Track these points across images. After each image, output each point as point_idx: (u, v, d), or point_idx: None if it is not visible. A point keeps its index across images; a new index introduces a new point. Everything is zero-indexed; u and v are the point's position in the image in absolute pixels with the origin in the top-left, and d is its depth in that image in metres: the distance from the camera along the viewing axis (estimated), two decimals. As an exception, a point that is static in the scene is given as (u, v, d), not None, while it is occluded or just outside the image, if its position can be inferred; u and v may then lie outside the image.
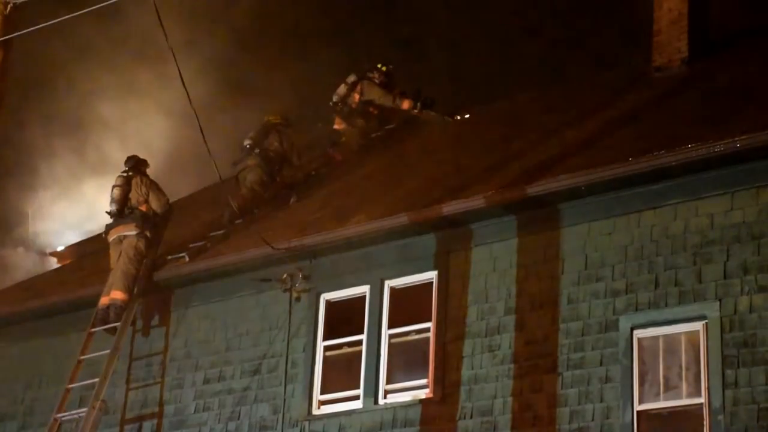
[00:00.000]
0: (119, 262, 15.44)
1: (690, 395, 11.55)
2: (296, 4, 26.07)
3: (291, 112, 18.30)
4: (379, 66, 18.56)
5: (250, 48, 25.53)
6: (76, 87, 25.05)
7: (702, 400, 11.40)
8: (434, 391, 13.01)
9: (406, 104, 18.23)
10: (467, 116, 18.05)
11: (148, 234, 15.63)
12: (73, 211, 25.30)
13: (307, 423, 13.84)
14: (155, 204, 15.87)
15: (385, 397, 13.46)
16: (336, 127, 18.41)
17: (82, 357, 15.22)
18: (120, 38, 24.60)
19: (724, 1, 17.11)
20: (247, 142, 17.09)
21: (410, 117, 18.27)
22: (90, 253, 19.00)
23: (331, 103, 18.34)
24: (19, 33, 11.68)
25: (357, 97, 18.20)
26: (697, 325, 11.60)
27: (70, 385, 15.08)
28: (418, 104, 18.18)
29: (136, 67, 24.61)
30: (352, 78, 18.34)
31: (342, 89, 18.28)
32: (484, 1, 25.90)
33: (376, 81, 18.36)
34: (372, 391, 13.49)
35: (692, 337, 11.65)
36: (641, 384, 11.79)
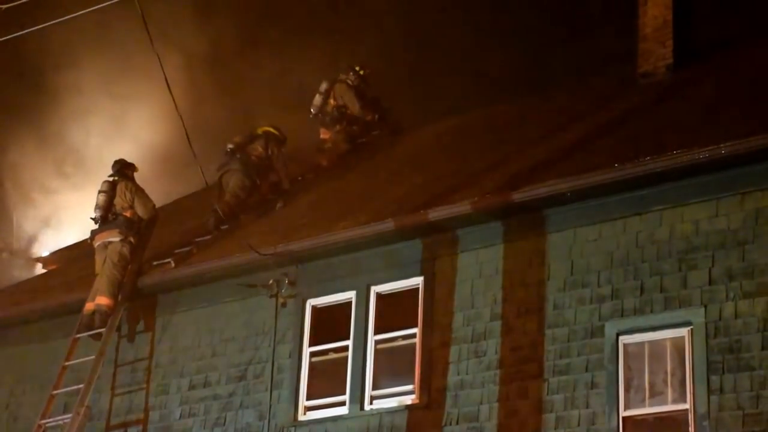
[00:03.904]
0: (104, 268, 15.41)
1: (675, 401, 11.57)
2: (288, 4, 26.09)
3: (280, 118, 18.28)
4: (356, 68, 18.50)
5: (239, 53, 25.53)
6: (62, 93, 25.01)
7: (687, 406, 11.42)
8: (420, 397, 13.02)
9: (369, 117, 18.24)
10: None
11: (132, 240, 15.60)
12: (58, 216, 25.25)
13: (293, 429, 13.83)
14: (140, 210, 15.84)
15: (371, 403, 13.46)
16: (322, 137, 18.41)
17: (67, 363, 15.18)
18: (106, 42, 24.58)
19: (708, 9, 17.17)
20: (229, 146, 17.05)
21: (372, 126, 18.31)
22: (75, 259, 18.95)
23: (310, 116, 18.32)
24: (6, 37, 11.66)
25: (332, 102, 18.18)
26: (683, 331, 11.63)
27: (55, 391, 15.05)
28: (376, 116, 18.22)
29: (122, 72, 24.59)
30: (324, 86, 18.27)
31: (317, 99, 18.23)
32: (469, 6, 25.94)
33: (350, 83, 18.29)
34: (358, 397, 13.49)
35: (677, 343, 11.68)
36: (627, 390, 11.81)
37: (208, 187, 18.89)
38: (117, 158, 16.55)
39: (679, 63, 15.37)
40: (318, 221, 14.90)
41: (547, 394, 12.15)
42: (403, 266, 13.58)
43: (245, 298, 14.66)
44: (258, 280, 14.43)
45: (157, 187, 19.27)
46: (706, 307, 11.53)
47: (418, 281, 13.47)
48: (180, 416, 14.75)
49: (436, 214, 13.21)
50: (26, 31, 12.13)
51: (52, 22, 12.19)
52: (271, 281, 14.32)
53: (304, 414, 13.88)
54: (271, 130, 17.16)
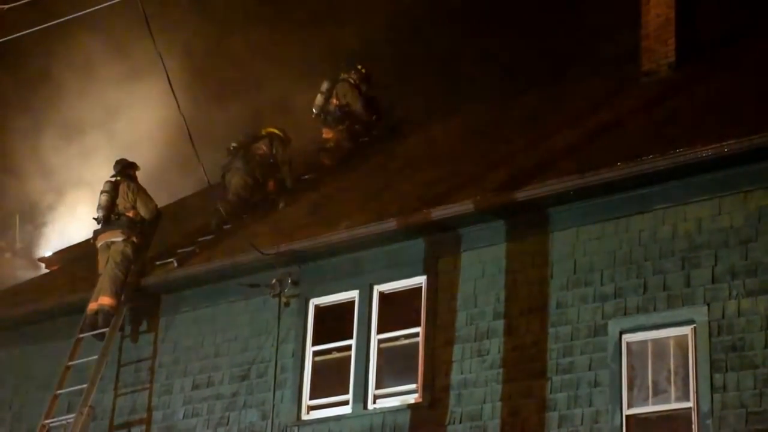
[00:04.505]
0: (107, 268, 15.42)
1: (679, 399, 11.58)
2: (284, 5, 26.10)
3: (282, 117, 18.29)
4: (359, 67, 18.50)
5: (240, 52, 25.53)
6: (64, 92, 25.03)
7: (691, 404, 11.43)
8: (423, 396, 13.02)
9: (369, 116, 18.25)
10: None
11: (135, 240, 15.61)
12: (61, 216, 25.27)
13: (296, 428, 13.83)
14: (143, 210, 15.85)
15: (374, 402, 13.46)
16: (324, 136, 18.39)
17: (71, 363, 15.20)
18: (107, 41, 24.59)
19: (711, 7, 17.15)
20: (233, 145, 17.06)
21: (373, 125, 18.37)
22: (78, 259, 18.96)
23: (313, 116, 18.31)
24: (8, 38, 11.66)
25: (335, 102, 18.17)
26: (686, 330, 11.63)
27: (59, 391, 15.07)
28: (374, 117, 18.24)
29: (123, 71, 24.60)
30: (325, 85, 18.24)
31: (319, 99, 18.21)
32: (471, 4, 25.93)
33: (352, 81, 18.28)
34: (361, 396, 13.49)
35: (681, 341, 11.68)
36: (630, 388, 11.82)
37: (210, 186, 18.89)
38: (119, 158, 16.57)
39: (681, 61, 15.36)
40: (321, 221, 14.90)
41: (551, 392, 12.15)
42: (406, 265, 13.58)
43: (248, 298, 14.67)
44: (261, 280, 14.44)
45: (161, 187, 19.28)
46: (709, 305, 11.53)
47: (420, 280, 13.47)
48: (183, 416, 14.76)
49: (438, 213, 13.22)
50: (26, 32, 12.13)
51: (52, 23, 12.18)
52: (273, 281, 14.33)
53: (308, 413, 13.89)
54: (276, 131, 17.17)
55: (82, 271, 17.32)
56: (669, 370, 11.70)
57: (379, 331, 13.66)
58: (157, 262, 15.66)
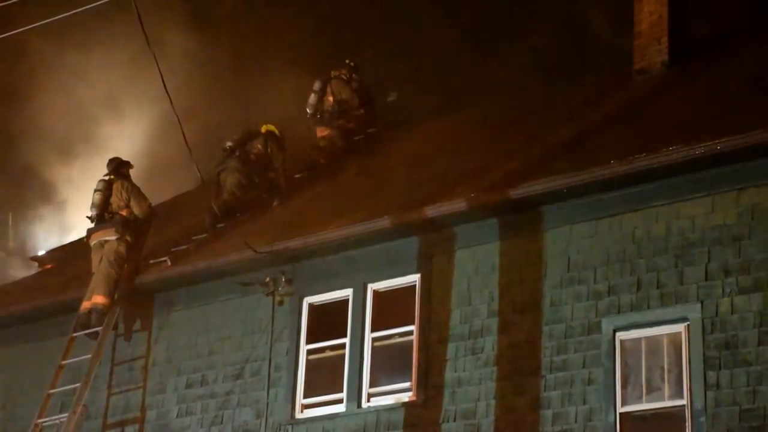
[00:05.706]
0: (100, 267, 15.41)
1: (672, 397, 11.59)
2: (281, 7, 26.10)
3: (277, 117, 18.28)
4: (347, 62, 18.52)
5: (235, 50, 25.52)
6: (58, 90, 25.00)
7: (684, 401, 11.44)
8: (417, 395, 13.03)
9: (363, 111, 18.27)
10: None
11: (128, 238, 15.60)
12: (54, 215, 25.24)
13: (290, 427, 13.83)
14: (136, 208, 15.84)
15: (368, 401, 13.47)
16: (319, 135, 18.38)
17: (64, 362, 15.19)
18: (101, 42, 24.57)
19: (703, 5, 17.19)
20: (228, 144, 17.05)
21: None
22: (71, 258, 18.94)
23: (307, 116, 18.30)
24: (4, 35, 11.66)
25: (331, 99, 18.16)
26: (679, 327, 11.65)
27: (52, 390, 15.05)
28: (363, 111, 18.28)
29: (117, 70, 24.58)
30: (317, 84, 18.25)
31: (312, 98, 18.21)
32: (466, 4, 25.95)
33: (344, 78, 18.30)
34: (355, 395, 13.49)
35: (674, 338, 11.70)
36: (624, 386, 11.83)
37: (204, 184, 18.90)
38: (112, 156, 16.56)
39: (674, 59, 15.38)
40: (314, 219, 14.90)
41: (545, 390, 12.16)
42: (400, 263, 13.58)
43: (242, 297, 14.66)
44: (255, 278, 14.43)
45: (154, 186, 19.26)
46: (702, 302, 11.55)
47: (414, 278, 13.48)
48: (177, 415, 14.75)
49: (432, 211, 13.22)
50: (21, 30, 12.13)
51: (46, 21, 12.19)
52: (267, 279, 14.32)
53: (302, 412, 13.89)
54: (272, 128, 17.17)
55: (75, 270, 17.31)
56: (662, 368, 11.72)
57: (373, 329, 13.67)
58: (151, 261, 15.65)
